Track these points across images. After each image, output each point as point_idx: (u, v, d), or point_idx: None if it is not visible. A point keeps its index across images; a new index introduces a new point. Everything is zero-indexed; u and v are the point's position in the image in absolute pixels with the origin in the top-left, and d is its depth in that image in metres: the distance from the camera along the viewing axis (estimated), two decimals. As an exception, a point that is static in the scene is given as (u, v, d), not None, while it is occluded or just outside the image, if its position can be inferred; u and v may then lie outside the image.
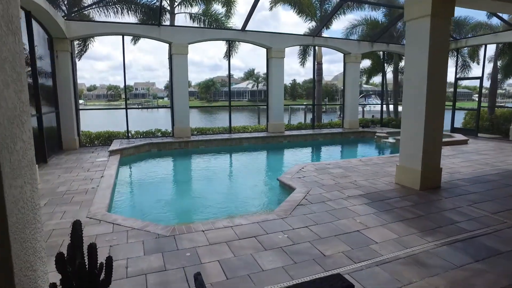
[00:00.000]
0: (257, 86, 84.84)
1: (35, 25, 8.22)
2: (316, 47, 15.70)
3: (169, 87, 12.60)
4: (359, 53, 14.75)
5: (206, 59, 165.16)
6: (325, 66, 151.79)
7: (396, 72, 19.52)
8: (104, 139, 11.94)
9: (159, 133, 12.71)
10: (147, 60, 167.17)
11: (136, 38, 16.54)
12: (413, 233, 4.18)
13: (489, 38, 13.25)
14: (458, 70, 15.76)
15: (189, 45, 11.96)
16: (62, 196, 5.71)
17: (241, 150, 11.91)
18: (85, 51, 15.38)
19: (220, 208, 6.09)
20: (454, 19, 17.19)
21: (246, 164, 10.29)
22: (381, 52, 20.62)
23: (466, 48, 16.40)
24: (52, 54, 9.87)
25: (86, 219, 4.59)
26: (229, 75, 13.33)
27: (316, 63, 15.52)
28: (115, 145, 10.28)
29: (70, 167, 7.93)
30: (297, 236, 4.09)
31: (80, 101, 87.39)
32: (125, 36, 11.48)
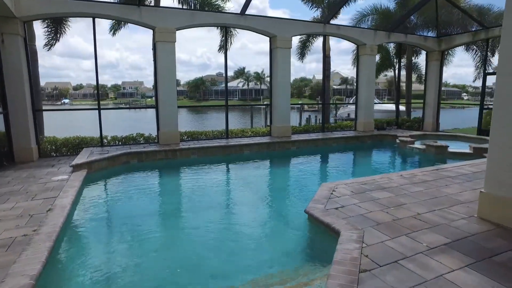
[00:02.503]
0: (248, 85, 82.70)
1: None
2: (322, 38, 13.65)
3: (154, 83, 10.37)
4: (375, 44, 12.76)
5: (194, 58, 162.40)
6: (313, 65, 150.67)
7: (409, 67, 17.60)
8: (73, 146, 9.66)
9: (141, 139, 10.48)
10: (134, 59, 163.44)
11: (115, 28, 14.22)
12: None
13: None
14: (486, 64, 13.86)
15: (177, 32, 9.76)
16: (-33, 254, 3.49)
17: (242, 159, 9.76)
18: (56, 41, 12.95)
19: (217, 274, 3.85)
20: (476, 7, 15.36)
21: (252, 182, 7.96)
22: (391, 46, 18.78)
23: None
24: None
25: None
26: (226, 70, 11.17)
27: (325, 56, 13.46)
28: (83, 156, 8.02)
29: (8, 192, 5.67)
30: None
31: (66, 101, 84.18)
32: (99, 20, 9.22)
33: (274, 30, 10.80)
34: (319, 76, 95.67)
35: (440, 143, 10.14)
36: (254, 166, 9.46)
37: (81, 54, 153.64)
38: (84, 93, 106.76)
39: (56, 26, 12.34)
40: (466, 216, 4.57)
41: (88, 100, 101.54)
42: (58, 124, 25.90)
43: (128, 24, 13.89)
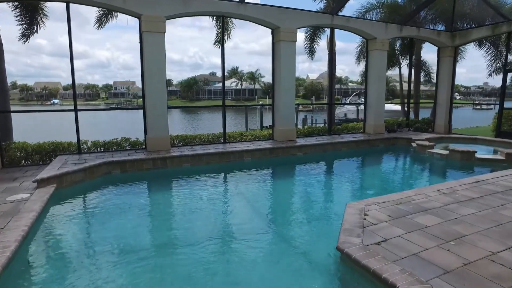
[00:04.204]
0: (241, 85, 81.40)
1: None
2: (327, 31, 12.50)
3: (141, 81, 9.05)
4: (387, 38, 11.60)
5: (186, 58, 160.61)
6: (306, 65, 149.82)
7: (418, 65, 16.48)
8: (48, 153, 8.31)
9: (126, 144, 9.14)
10: (126, 59, 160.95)
11: (101, 20, 12.83)
12: None
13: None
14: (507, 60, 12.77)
15: (168, 31, 8.47)
16: None
17: (243, 168, 8.49)
18: (32, 32, 11.44)
19: None
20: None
21: (257, 199, 6.59)
22: (396, 42, 17.69)
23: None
24: None
25: None
26: (223, 65, 9.88)
27: (332, 52, 12.26)
28: (53, 167, 6.67)
29: None
30: None
31: (56, 101, 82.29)
32: (87, 17, 7.87)
33: (277, 21, 9.55)
34: (313, 76, 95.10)
35: (464, 147, 9.01)
36: (257, 177, 8.17)
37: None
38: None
39: (31, 15, 10.88)
40: (558, 256, 3.38)
41: (79, 100, 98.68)
42: (39, 127, 24.37)
43: (117, 20, 12.59)
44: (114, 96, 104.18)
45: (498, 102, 13.28)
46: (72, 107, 8.39)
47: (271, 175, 8.58)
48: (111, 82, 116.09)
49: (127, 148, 9.09)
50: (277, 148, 9.43)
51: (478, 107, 56.88)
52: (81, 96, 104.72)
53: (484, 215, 4.55)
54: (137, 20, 8.49)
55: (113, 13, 12.82)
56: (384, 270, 3.08)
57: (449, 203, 5.00)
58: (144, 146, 9.00)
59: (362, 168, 9.53)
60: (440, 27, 15.09)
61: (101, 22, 13.32)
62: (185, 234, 4.85)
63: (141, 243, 4.47)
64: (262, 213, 5.80)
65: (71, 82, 8.47)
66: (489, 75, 16.17)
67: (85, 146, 8.69)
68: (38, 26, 11.54)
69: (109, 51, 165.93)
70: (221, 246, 4.46)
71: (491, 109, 47.83)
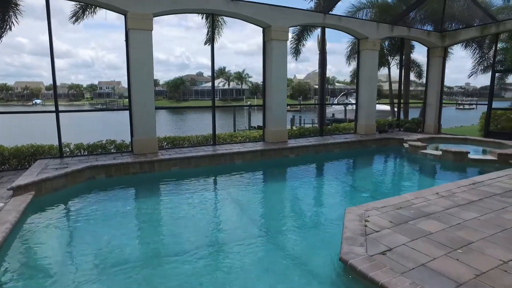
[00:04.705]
0: (229, 85, 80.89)
1: None
2: (314, 32, 12.34)
3: (127, 81, 8.65)
4: (378, 37, 11.51)
5: (173, 58, 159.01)
6: (292, 65, 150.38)
7: (408, 65, 16.50)
8: (26, 157, 7.83)
9: (112, 147, 8.74)
10: (111, 58, 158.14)
11: (77, 15, 12.32)
12: None
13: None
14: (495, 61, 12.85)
15: (154, 30, 8.12)
16: None
17: (234, 171, 8.20)
18: (5, 31, 10.81)
19: None
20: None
21: (251, 205, 6.27)
22: (385, 42, 17.71)
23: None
24: None
25: None
26: (213, 65, 9.56)
27: (324, 52, 12.09)
28: (32, 172, 6.25)
29: None
30: None
31: (38, 101, 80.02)
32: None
33: (269, 19, 9.31)
34: (300, 76, 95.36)
35: (457, 148, 8.96)
36: (249, 181, 7.89)
37: (54, 53, 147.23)
38: (58, 93, 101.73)
39: (2, 12, 10.26)
40: None
41: (62, 100, 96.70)
42: (18, 129, 23.47)
43: (95, 16, 12.12)
44: (99, 96, 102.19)
45: (480, 102, 13.39)
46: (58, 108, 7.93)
47: (263, 179, 8.32)
48: (96, 82, 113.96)
49: (112, 151, 8.68)
50: (268, 150, 9.19)
51: (461, 107, 57.99)
52: (64, 96, 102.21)
53: (487, 219, 4.40)
54: (121, 17, 8.11)
55: (92, 8, 12.30)
56: (393, 284, 2.86)
57: (450, 207, 4.84)
58: (130, 148, 8.62)
59: (357, 170, 9.38)
60: (429, 28, 15.14)
61: (77, 17, 12.75)
62: (175, 244, 4.54)
63: (127, 255, 4.14)
64: (256, 220, 5.53)
65: (52, 82, 8.01)
66: (476, 75, 16.32)
67: (68, 150, 8.24)
68: (12, 24, 10.87)
69: (94, 51, 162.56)
70: (213, 257, 4.17)
71: (473, 108, 48.84)
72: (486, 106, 12.45)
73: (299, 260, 4.08)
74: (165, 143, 9.30)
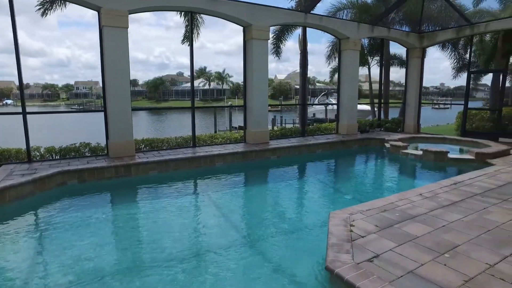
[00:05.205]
0: (209, 85, 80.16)
1: None
2: (294, 32, 12.26)
3: (101, 81, 8.26)
4: (359, 38, 11.53)
5: (152, 58, 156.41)
6: (273, 65, 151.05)
7: (387, 65, 16.70)
8: (-8, 162, 7.31)
9: (86, 150, 8.31)
10: (88, 58, 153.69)
11: (45, 6, 11.73)
12: None
13: (519, 21, 10.70)
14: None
15: (133, 30, 7.76)
16: None
17: (215, 174, 7.96)
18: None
19: None
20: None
21: (232, 210, 6.07)
22: (365, 43, 17.88)
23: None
24: None
25: None
26: (192, 65, 9.28)
27: (305, 52, 12.01)
28: (-4, 179, 5.80)
29: None
30: None
31: (9, 101, 76.42)
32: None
33: (250, 18, 9.12)
34: (281, 76, 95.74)
35: (437, 148, 9.05)
36: (230, 184, 7.65)
37: (26, 51, 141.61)
38: (31, 93, 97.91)
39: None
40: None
41: (36, 100, 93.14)
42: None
43: (62, 11, 11.61)
44: (76, 97, 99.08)
45: (454, 102, 13.74)
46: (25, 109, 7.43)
47: (244, 181, 8.11)
48: (72, 82, 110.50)
49: (87, 154, 8.25)
50: (250, 151, 9.00)
51: (437, 106, 59.73)
52: (38, 97, 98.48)
53: (470, 220, 4.37)
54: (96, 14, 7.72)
55: (60, 2, 11.74)
56: (383, 296, 2.73)
57: (434, 209, 4.80)
58: (106, 152, 8.22)
59: (340, 172, 9.31)
60: (407, 29, 15.36)
61: (46, 8, 12.13)
62: (153, 253, 4.27)
63: (102, 268, 3.85)
64: (236, 226, 5.31)
65: (18, 81, 7.53)
66: (456, 76, 16.72)
67: (38, 154, 7.77)
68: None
69: (70, 49, 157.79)
70: (191, 266, 3.94)
71: (448, 108, 50.43)
72: (461, 105, 12.74)
73: (282, 269, 3.91)
74: (143, 146, 8.94)
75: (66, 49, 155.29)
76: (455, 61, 16.73)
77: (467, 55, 16.25)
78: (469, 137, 11.36)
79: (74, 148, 8.18)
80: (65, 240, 4.53)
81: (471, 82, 12.90)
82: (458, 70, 18.27)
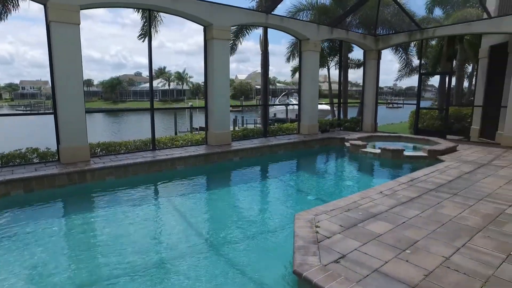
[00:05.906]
0: (169, 85, 78.30)
1: None
2: (253, 32, 12.29)
3: (50, 80, 7.66)
4: (319, 39, 11.78)
5: (108, 57, 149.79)
6: (233, 65, 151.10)
7: (345, 66, 17.26)
8: None
9: (34, 156, 7.65)
10: (35, 55, 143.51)
11: None
12: None
13: (463, 28, 11.51)
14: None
15: (86, 26, 7.27)
16: None
17: (175, 178, 7.71)
18: None
19: None
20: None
21: (194, 216, 5.79)
22: (324, 44, 18.35)
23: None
24: None
25: None
26: (150, 65, 8.91)
27: (266, 52, 12.04)
28: None
29: None
30: None
31: None
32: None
33: (210, 18, 8.94)
34: (242, 76, 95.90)
35: (394, 146, 9.47)
36: (192, 188, 7.44)
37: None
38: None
39: None
40: (504, 255, 3.43)
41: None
42: None
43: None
44: (22, 97, 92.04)
45: (407, 102, 14.64)
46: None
47: (207, 185, 7.93)
48: (16, 81, 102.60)
49: (35, 161, 7.60)
50: (212, 153, 8.82)
51: (391, 105, 62.91)
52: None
53: (427, 216, 4.58)
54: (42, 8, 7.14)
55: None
56: (351, 297, 2.73)
57: (393, 206, 4.97)
58: (57, 157, 7.63)
59: (302, 172, 9.41)
60: (362, 32, 15.98)
61: None
62: (108, 266, 3.99)
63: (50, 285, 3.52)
64: (199, 231, 5.15)
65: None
66: (402, 77, 17.72)
67: (-23, 161, 7.03)
68: None
69: (13, 46, 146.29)
70: (155, 276, 3.73)
71: (401, 107, 53.34)
72: (413, 105, 13.49)
73: (249, 274, 3.82)
74: (99, 150, 8.42)
75: (8, 44, 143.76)
76: (405, 63, 17.71)
77: (417, 59, 17.32)
78: (421, 135, 12.06)
79: (20, 155, 7.50)
80: (5, 257, 4.10)
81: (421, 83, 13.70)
82: (410, 72, 19.41)
